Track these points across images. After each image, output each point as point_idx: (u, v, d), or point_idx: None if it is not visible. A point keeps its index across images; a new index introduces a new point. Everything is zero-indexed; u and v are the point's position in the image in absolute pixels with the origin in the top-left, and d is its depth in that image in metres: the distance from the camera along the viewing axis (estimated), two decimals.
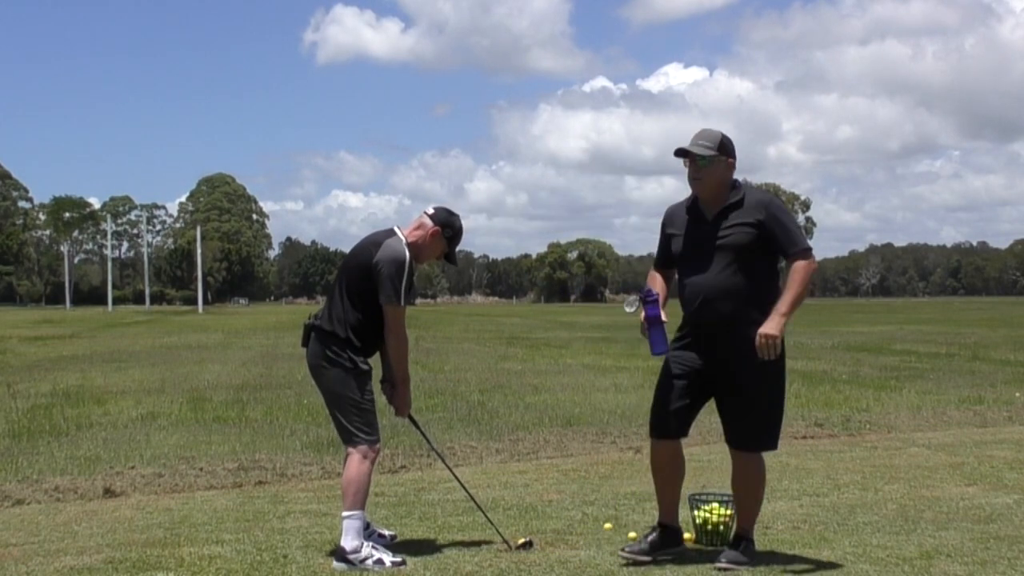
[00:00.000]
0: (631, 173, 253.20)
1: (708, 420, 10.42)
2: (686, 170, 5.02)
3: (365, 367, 5.20)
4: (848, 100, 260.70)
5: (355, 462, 5.14)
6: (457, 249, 5.55)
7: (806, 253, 4.92)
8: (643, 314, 4.97)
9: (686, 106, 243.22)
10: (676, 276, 5.15)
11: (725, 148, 4.96)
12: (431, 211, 5.39)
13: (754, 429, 4.99)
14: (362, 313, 5.17)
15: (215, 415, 11.28)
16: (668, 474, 5.14)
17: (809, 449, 8.52)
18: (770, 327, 4.78)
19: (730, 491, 5.37)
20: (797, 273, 4.89)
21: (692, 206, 5.06)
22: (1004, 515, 5.97)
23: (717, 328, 4.90)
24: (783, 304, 4.84)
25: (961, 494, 6.59)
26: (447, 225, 5.35)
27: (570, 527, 5.79)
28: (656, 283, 5.15)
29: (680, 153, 4.98)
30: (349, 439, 5.19)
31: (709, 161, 4.93)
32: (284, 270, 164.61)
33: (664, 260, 5.21)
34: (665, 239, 5.17)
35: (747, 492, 5.11)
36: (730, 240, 4.88)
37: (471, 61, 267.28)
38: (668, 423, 5.03)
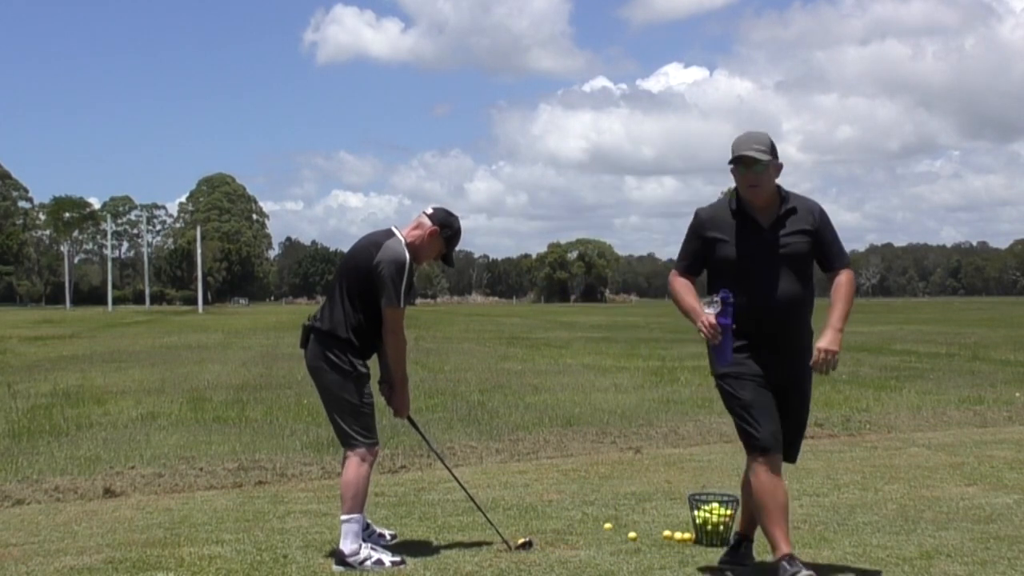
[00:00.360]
0: (631, 173, 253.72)
1: (708, 420, 10.46)
2: (736, 177, 4.71)
3: (364, 370, 5.19)
4: (848, 100, 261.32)
5: (353, 465, 5.14)
6: (456, 250, 5.55)
7: (850, 265, 4.86)
8: (714, 319, 4.57)
9: (686, 106, 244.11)
10: (714, 284, 4.77)
11: (774, 151, 4.73)
12: (430, 211, 5.38)
13: (796, 441, 4.87)
14: (363, 314, 5.16)
15: (215, 415, 11.28)
16: (783, 495, 4.66)
17: (809, 449, 8.47)
18: (830, 343, 4.63)
19: (730, 492, 5.36)
20: (846, 286, 4.78)
21: (739, 211, 4.74)
22: (1004, 515, 5.97)
23: (778, 340, 4.69)
24: (837, 319, 4.69)
25: (961, 494, 6.59)
26: (446, 225, 5.34)
27: (570, 527, 5.79)
28: (690, 290, 4.83)
29: (736, 160, 4.67)
30: (347, 442, 5.18)
31: (765, 166, 4.67)
32: (284, 270, 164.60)
33: (695, 266, 4.87)
34: (702, 244, 4.80)
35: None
36: (791, 249, 4.69)
37: (471, 61, 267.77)
38: (777, 434, 4.64)
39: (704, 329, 4.60)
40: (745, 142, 4.71)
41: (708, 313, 4.60)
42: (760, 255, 4.68)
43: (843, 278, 4.79)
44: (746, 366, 4.67)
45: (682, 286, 4.86)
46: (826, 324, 4.71)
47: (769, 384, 4.67)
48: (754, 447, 4.64)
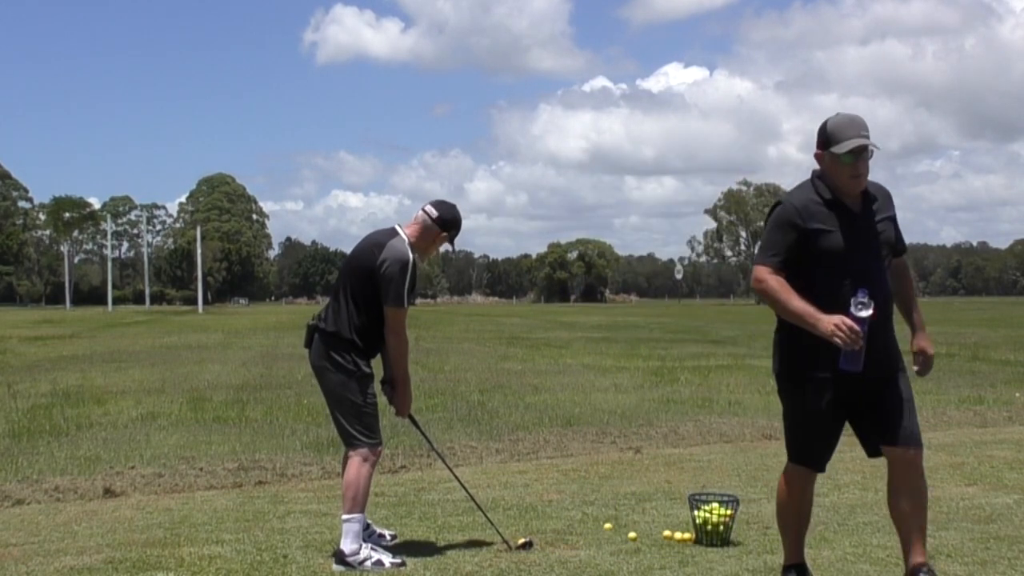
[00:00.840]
0: (631, 173, 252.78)
1: (708, 420, 10.47)
2: (839, 168, 4.25)
3: (368, 370, 5.20)
4: (848, 100, 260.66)
5: (355, 465, 5.15)
6: (456, 250, 5.61)
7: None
8: (854, 323, 4.07)
9: (686, 106, 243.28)
10: (809, 279, 4.29)
11: None
12: (433, 211, 5.37)
13: (913, 421, 4.38)
14: (366, 315, 5.17)
15: (215, 415, 11.28)
16: (807, 507, 4.58)
17: None
18: (931, 346, 4.54)
19: (730, 492, 5.34)
20: (913, 281, 4.66)
21: (834, 200, 4.28)
22: (1004, 515, 5.97)
23: (884, 333, 4.30)
24: (922, 319, 4.57)
25: (961, 494, 6.59)
26: (451, 225, 5.38)
27: (570, 527, 5.80)
28: (791, 289, 4.24)
29: (859, 150, 4.20)
30: (350, 442, 5.20)
31: (872, 153, 4.26)
32: (284, 270, 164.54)
33: (790, 261, 4.29)
34: (800, 235, 4.24)
35: (921, 502, 4.41)
36: (886, 236, 4.36)
37: (471, 61, 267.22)
38: (825, 455, 4.50)
39: (844, 335, 4.04)
40: (852, 128, 4.23)
41: (861, 317, 4.08)
42: (863, 245, 4.29)
43: (911, 273, 4.67)
44: (831, 372, 4.23)
45: (782, 284, 4.25)
46: (917, 325, 4.56)
47: (847, 393, 4.30)
48: (803, 464, 4.49)
